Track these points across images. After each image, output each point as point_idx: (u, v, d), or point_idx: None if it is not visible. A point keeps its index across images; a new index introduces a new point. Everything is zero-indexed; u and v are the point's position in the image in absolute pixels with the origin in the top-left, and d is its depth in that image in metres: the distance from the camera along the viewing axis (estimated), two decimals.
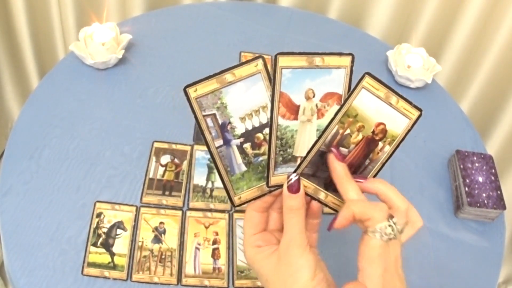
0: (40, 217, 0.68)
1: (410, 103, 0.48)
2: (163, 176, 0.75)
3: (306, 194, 0.49)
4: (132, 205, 0.71)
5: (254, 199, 0.51)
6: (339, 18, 1.16)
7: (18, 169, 0.72)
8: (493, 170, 0.79)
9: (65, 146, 0.76)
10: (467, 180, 0.78)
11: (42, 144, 0.76)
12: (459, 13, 1.09)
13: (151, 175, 0.75)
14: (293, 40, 1.01)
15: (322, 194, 0.50)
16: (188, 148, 0.78)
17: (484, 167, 0.80)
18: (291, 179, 0.48)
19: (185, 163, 0.77)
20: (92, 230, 0.68)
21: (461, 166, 0.80)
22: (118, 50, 0.87)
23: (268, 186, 0.50)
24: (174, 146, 0.78)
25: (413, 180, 0.82)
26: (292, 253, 0.46)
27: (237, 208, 0.52)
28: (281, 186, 0.49)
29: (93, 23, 0.88)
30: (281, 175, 0.49)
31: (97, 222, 0.68)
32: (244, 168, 0.50)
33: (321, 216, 0.51)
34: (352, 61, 0.48)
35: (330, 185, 0.50)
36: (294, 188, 0.47)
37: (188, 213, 0.71)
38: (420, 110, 0.48)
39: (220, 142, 0.49)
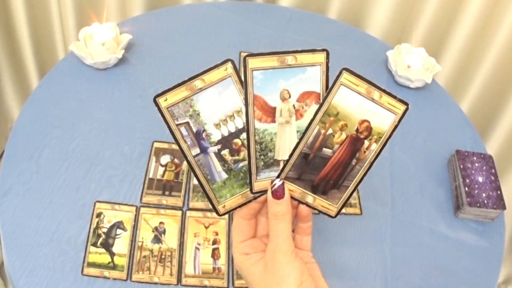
0: (40, 217, 0.68)
1: (394, 97, 0.46)
2: (163, 176, 0.75)
3: (293, 198, 0.48)
4: (132, 205, 0.71)
5: (239, 206, 0.49)
6: (339, 18, 1.16)
7: (18, 169, 0.72)
8: (493, 170, 0.79)
9: (65, 146, 0.76)
10: (467, 180, 0.78)
11: (42, 144, 0.76)
12: (459, 13, 1.09)
13: (151, 175, 0.75)
14: (293, 40, 1.01)
15: (310, 198, 0.48)
16: None
17: (484, 167, 0.80)
18: (275, 184, 0.46)
19: (185, 163, 0.76)
20: (92, 230, 0.68)
21: (461, 166, 0.80)
22: (118, 50, 0.87)
23: (252, 193, 0.48)
24: (174, 146, 0.78)
25: (413, 180, 0.82)
26: (278, 261, 0.45)
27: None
28: (265, 191, 0.47)
29: (93, 23, 0.88)
30: (265, 180, 0.48)
31: (97, 222, 0.68)
32: (224, 175, 0.49)
33: (311, 219, 0.49)
34: (327, 57, 0.46)
35: (317, 188, 0.48)
36: (278, 194, 0.46)
37: (188, 213, 0.71)
38: (406, 104, 0.46)
39: (196, 150, 0.48)
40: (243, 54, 0.94)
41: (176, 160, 0.77)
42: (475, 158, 0.81)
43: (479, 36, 1.11)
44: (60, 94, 0.83)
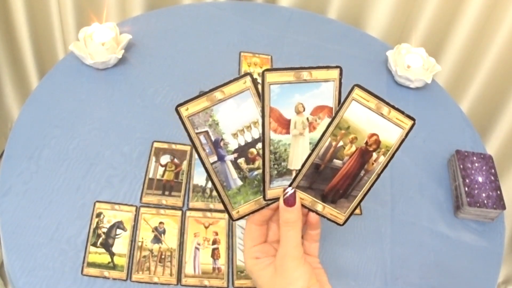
0: (40, 217, 0.68)
1: (402, 112, 0.48)
2: (162, 176, 0.75)
3: (304, 206, 0.50)
4: (131, 205, 0.71)
5: (252, 212, 0.51)
6: (339, 18, 1.16)
7: (18, 169, 0.72)
8: (493, 170, 0.79)
9: (65, 146, 0.76)
10: (467, 180, 0.78)
11: (42, 144, 0.76)
12: (459, 13, 1.09)
13: (151, 175, 0.75)
14: (293, 40, 1.01)
15: (320, 206, 0.50)
16: (188, 148, 0.78)
17: (484, 167, 0.80)
18: (287, 193, 0.48)
19: (185, 163, 0.77)
20: (91, 230, 0.68)
21: (461, 166, 0.80)
22: (118, 50, 0.87)
23: (265, 200, 0.50)
24: (174, 146, 0.78)
25: (413, 180, 0.82)
26: (288, 266, 0.47)
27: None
28: (278, 199, 0.49)
29: (93, 23, 0.88)
30: (277, 188, 0.50)
31: (97, 222, 0.68)
32: (240, 182, 0.51)
33: (320, 226, 0.51)
34: (340, 74, 0.49)
35: (327, 197, 0.50)
36: (290, 202, 0.48)
37: (188, 213, 0.71)
38: (413, 119, 0.49)
39: (214, 158, 0.50)
40: (243, 54, 0.94)
41: (176, 160, 0.77)
42: (475, 158, 0.81)
43: (479, 36, 1.11)
44: (60, 94, 0.83)
